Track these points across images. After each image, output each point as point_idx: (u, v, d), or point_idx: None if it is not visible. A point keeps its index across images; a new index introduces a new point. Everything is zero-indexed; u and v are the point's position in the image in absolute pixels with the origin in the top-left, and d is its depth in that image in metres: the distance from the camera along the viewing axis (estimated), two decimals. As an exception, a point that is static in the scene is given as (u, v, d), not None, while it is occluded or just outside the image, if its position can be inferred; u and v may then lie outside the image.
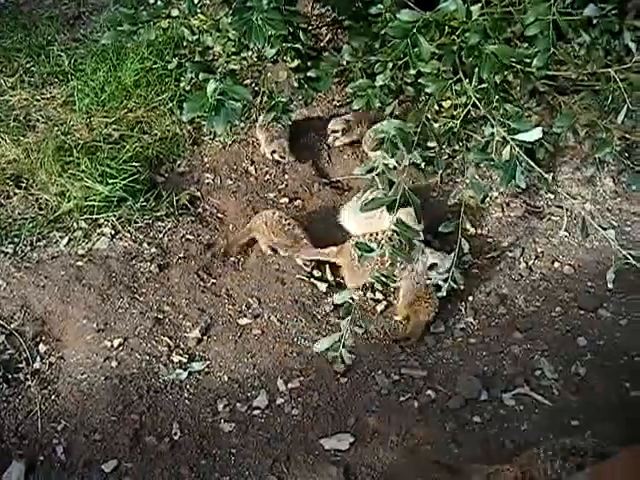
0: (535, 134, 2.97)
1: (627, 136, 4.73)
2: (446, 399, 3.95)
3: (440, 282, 4.35)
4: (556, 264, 4.68)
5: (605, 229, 3.22)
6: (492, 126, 3.22)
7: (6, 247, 4.60)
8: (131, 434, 3.77)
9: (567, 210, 4.86)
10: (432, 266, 4.36)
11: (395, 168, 3.63)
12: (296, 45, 3.93)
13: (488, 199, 4.98)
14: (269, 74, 4.53)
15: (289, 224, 4.63)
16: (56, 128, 5.31)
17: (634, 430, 3.54)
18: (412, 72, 3.59)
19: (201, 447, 3.75)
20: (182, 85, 5.26)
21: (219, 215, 5.01)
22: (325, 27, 5.78)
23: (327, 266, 4.61)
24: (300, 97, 4.83)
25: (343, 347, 3.15)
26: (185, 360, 4.14)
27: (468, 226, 4.79)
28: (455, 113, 3.88)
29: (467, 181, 4.43)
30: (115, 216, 4.79)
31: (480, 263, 4.70)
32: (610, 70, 3.53)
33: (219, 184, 5.21)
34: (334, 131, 5.34)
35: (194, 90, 4.82)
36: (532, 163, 3.11)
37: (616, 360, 4.06)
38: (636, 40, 3.47)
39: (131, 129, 5.37)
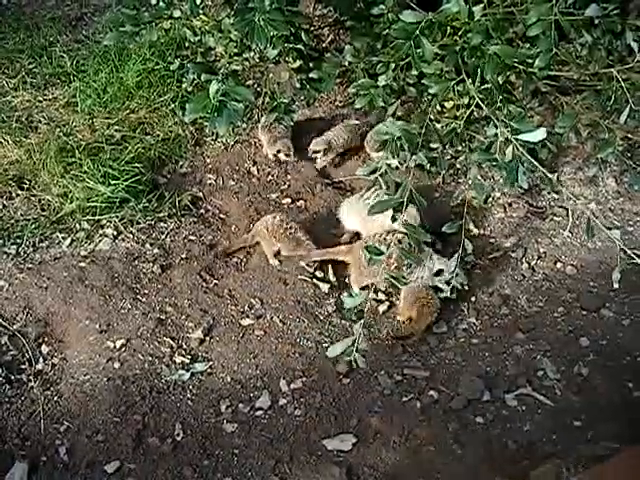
0: (539, 135, 2.97)
1: (629, 136, 4.74)
2: (449, 399, 3.94)
3: (442, 285, 4.37)
4: (559, 264, 4.68)
5: (610, 229, 3.22)
6: (496, 127, 3.22)
7: (9, 248, 4.61)
8: (134, 435, 3.77)
9: (570, 210, 4.85)
10: (439, 272, 4.36)
11: (397, 169, 3.64)
12: (298, 46, 3.94)
13: (490, 199, 4.98)
14: (271, 75, 4.55)
15: (290, 228, 4.62)
16: (58, 129, 5.32)
17: (636, 430, 3.54)
18: (414, 73, 3.60)
19: (204, 448, 3.76)
20: (184, 86, 5.27)
21: (221, 216, 5.01)
22: (327, 28, 5.78)
23: (329, 267, 4.61)
24: (302, 98, 4.85)
25: (357, 352, 3.14)
26: (187, 361, 4.14)
27: (471, 226, 4.80)
28: (458, 114, 3.88)
29: (470, 182, 4.43)
30: (117, 217, 4.80)
31: (482, 264, 4.70)
32: (612, 70, 3.53)
33: (221, 185, 5.21)
34: (315, 152, 5.26)
35: (196, 91, 4.84)
36: (536, 163, 3.11)
37: (619, 360, 4.06)
38: (638, 40, 3.46)
39: (133, 130, 5.38)
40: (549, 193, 5.03)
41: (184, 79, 5.19)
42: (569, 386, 3.96)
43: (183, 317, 4.36)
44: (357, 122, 5.44)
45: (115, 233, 4.76)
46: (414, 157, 3.37)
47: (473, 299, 4.50)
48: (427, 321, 4.30)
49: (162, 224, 4.87)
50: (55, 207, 4.83)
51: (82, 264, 4.56)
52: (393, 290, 4.45)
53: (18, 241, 4.65)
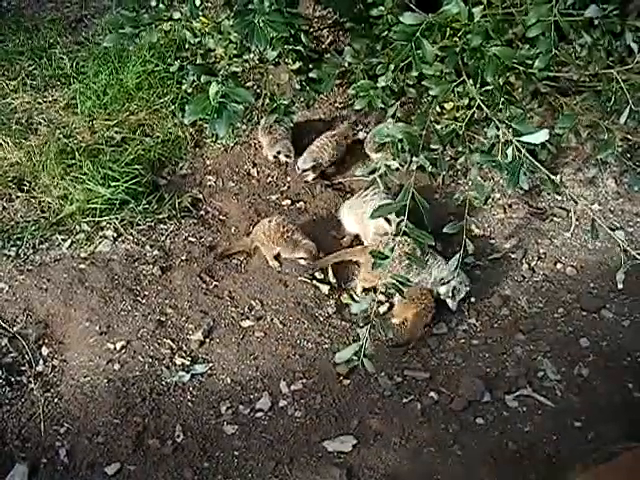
0: (541, 136, 2.96)
1: (629, 137, 4.74)
2: (449, 401, 3.95)
3: (448, 300, 4.37)
4: (559, 265, 4.68)
5: (613, 230, 3.22)
6: (497, 128, 3.22)
7: (9, 250, 4.61)
8: (134, 437, 3.77)
9: (571, 211, 4.85)
10: (444, 282, 4.35)
11: (398, 170, 3.64)
12: (298, 47, 3.95)
13: (490, 200, 4.98)
14: (271, 76, 4.55)
15: (287, 230, 4.60)
16: (58, 131, 5.32)
17: (637, 431, 3.54)
18: (414, 74, 3.60)
19: (204, 450, 3.76)
20: (184, 88, 5.25)
21: (221, 217, 5.01)
22: (327, 29, 5.79)
23: (329, 268, 4.61)
24: (302, 99, 4.84)
25: (364, 357, 3.13)
26: (188, 362, 4.14)
27: (473, 227, 4.80)
28: (457, 115, 3.88)
29: (469, 182, 4.43)
30: (117, 219, 4.79)
31: (482, 264, 4.70)
32: (612, 71, 3.53)
33: (221, 186, 5.21)
34: (304, 170, 5.17)
35: (196, 93, 4.84)
36: (539, 165, 3.11)
37: (619, 361, 4.06)
38: (638, 41, 3.47)
39: (133, 132, 5.37)
40: (549, 194, 5.03)
41: (184, 81, 5.18)
42: (569, 387, 3.97)
43: (183, 319, 4.36)
44: (343, 129, 5.40)
45: (115, 235, 4.76)
46: (415, 159, 3.37)
47: (473, 300, 4.49)
48: (422, 322, 4.29)
49: (162, 226, 4.87)
50: (55, 209, 4.83)
51: (82, 266, 4.56)
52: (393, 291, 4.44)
53: (18, 243, 4.65)
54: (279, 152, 5.26)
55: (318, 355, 4.18)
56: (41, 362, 4.11)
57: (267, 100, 4.35)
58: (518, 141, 3.01)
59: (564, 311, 4.40)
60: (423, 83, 3.52)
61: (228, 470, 3.68)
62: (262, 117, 5.42)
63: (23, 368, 4.07)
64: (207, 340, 4.26)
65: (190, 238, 4.82)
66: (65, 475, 3.64)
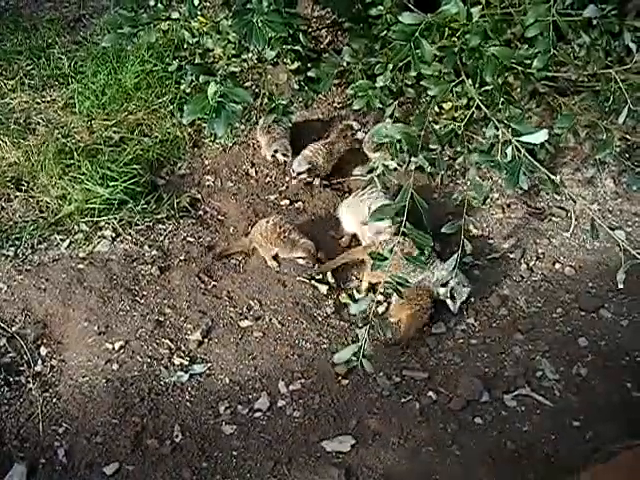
0: (541, 136, 2.96)
1: (628, 137, 4.74)
2: (447, 400, 3.95)
3: (449, 301, 4.37)
4: (557, 265, 4.68)
5: (614, 230, 3.22)
6: (496, 128, 3.22)
7: (7, 250, 4.60)
8: (132, 437, 3.77)
9: (572, 211, 4.85)
10: (444, 283, 4.35)
11: (396, 169, 3.64)
12: (296, 47, 3.95)
13: (489, 200, 4.98)
14: (269, 76, 4.55)
15: (284, 231, 4.59)
16: (56, 131, 5.31)
17: (636, 430, 3.54)
18: (412, 74, 3.60)
19: (202, 450, 3.75)
20: (182, 87, 5.25)
21: (220, 217, 5.00)
22: (325, 29, 5.79)
23: (328, 268, 4.62)
24: (300, 99, 4.85)
25: (364, 357, 3.13)
26: (186, 362, 4.14)
27: (471, 227, 4.80)
28: (456, 115, 3.88)
29: (468, 182, 4.43)
30: (116, 219, 4.79)
31: (481, 264, 4.70)
32: (611, 71, 3.53)
33: (220, 186, 5.21)
34: (299, 173, 5.14)
35: (194, 92, 4.83)
36: (539, 165, 3.11)
37: (617, 361, 4.07)
38: (636, 41, 3.47)
39: (131, 132, 5.37)
40: (547, 194, 5.03)
41: (182, 80, 5.17)
42: (568, 387, 3.97)
43: (182, 319, 4.36)
44: (333, 138, 5.36)
45: (113, 235, 4.75)
46: (413, 159, 3.37)
47: (471, 300, 4.49)
48: (418, 323, 4.29)
49: (160, 226, 4.87)
50: (53, 209, 4.82)
51: (80, 266, 4.55)
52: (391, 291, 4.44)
53: (16, 243, 4.64)
54: (276, 151, 5.26)
55: (317, 355, 4.18)
56: (39, 362, 4.11)
57: (266, 100, 4.35)
58: (517, 141, 3.01)
59: (563, 311, 4.40)
60: (422, 83, 3.52)
61: (227, 470, 3.68)
62: (261, 117, 5.42)
63: (22, 368, 4.07)
64: (205, 340, 4.26)
65: (188, 238, 4.82)
66: (64, 475, 3.64)
